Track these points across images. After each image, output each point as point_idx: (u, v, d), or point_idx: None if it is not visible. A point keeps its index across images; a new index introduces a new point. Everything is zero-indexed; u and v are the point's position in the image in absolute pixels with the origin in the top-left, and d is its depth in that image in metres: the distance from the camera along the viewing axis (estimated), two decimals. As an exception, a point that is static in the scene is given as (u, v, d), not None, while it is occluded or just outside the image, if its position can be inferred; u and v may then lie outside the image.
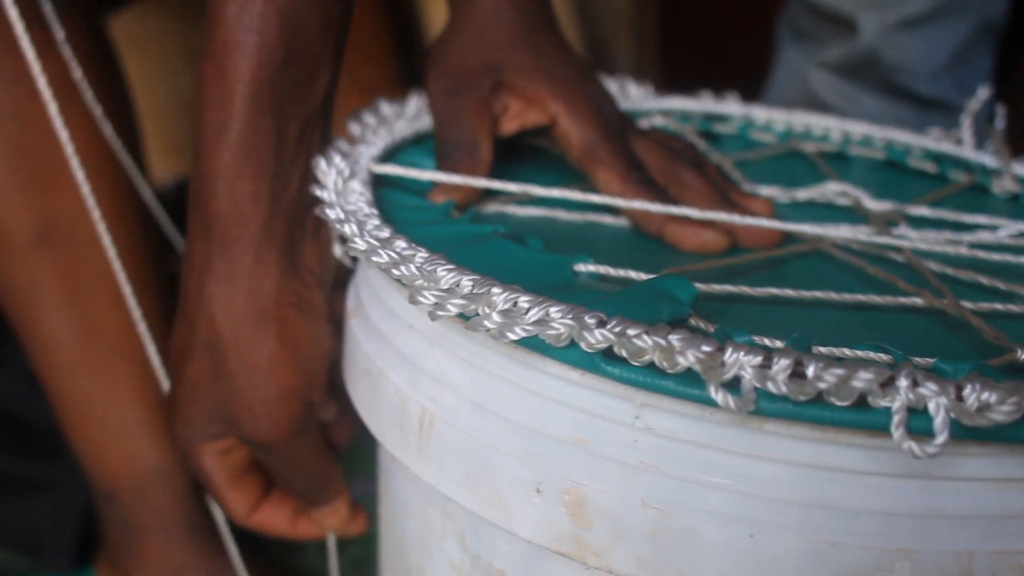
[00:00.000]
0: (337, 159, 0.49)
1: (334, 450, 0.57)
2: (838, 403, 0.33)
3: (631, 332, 0.34)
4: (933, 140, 0.69)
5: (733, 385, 0.33)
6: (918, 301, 0.44)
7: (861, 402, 0.33)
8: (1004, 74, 1.01)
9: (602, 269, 0.43)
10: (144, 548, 0.88)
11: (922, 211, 0.56)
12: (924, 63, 0.91)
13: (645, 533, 0.36)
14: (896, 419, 0.32)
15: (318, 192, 0.47)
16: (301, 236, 0.51)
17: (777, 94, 1.05)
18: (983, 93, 0.71)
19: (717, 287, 0.43)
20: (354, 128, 0.56)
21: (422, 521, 0.46)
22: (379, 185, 0.51)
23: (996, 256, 0.51)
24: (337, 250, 0.50)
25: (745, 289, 0.43)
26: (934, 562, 0.35)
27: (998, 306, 0.44)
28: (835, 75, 0.97)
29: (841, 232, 0.52)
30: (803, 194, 0.58)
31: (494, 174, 0.53)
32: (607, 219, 0.53)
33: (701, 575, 0.36)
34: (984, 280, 0.47)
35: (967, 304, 0.44)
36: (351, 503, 0.57)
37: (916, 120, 0.92)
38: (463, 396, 0.40)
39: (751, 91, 0.80)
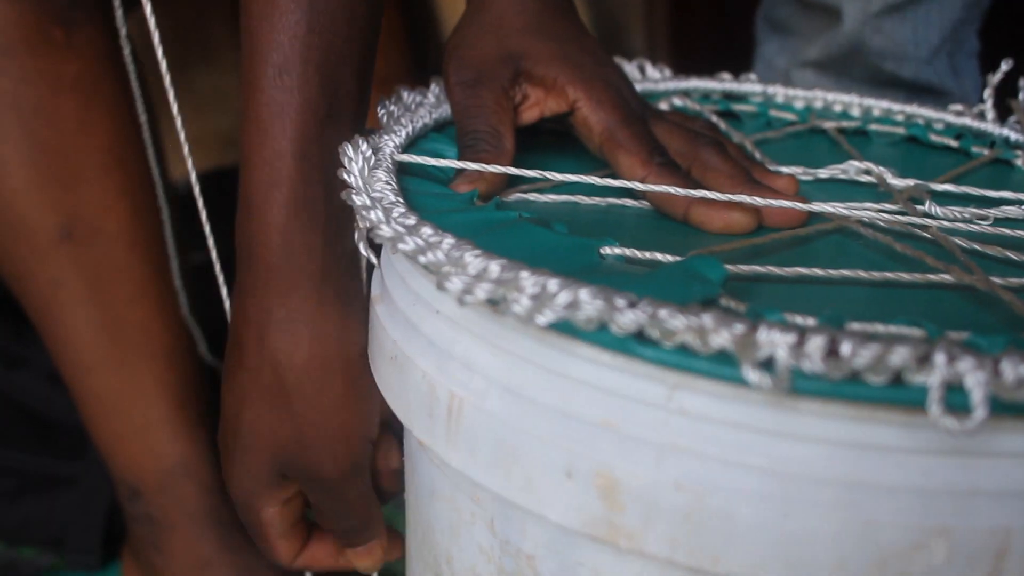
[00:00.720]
0: (363, 146, 0.49)
1: (382, 496, 0.58)
2: (874, 380, 0.33)
3: (662, 313, 0.34)
4: (954, 115, 0.69)
5: (767, 364, 0.33)
6: (947, 277, 0.44)
7: (897, 379, 0.33)
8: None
9: (628, 252, 0.43)
10: (169, 543, 0.89)
11: (946, 187, 0.56)
12: (915, 47, 0.89)
13: (678, 515, 0.36)
14: (934, 395, 0.32)
15: (344, 177, 0.47)
16: (357, 276, 0.52)
17: None
18: (1005, 65, 0.70)
19: (745, 267, 0.43)
20: (379, 115, 0.56)
21: (450, 507, 0.45)
22: (403, 173, 0.51)
23: (1022, 232, 0.50)
24: (358, 239, 0.49)
25: (773, 269, 0.43)
26: (971, 540, 0.34)
27: (1028, 281, 0.44)
28: (818, 71, 0.94)
29: (866, 210, 0.51)
30: (825, 173, 0.58)
31: (515, 162, 0.53)
32: (630, 203, 0.52)
33: (735, 556, 0.35)
34: (1013, 255, 0.47)
35: (996, 279, 0.43)
36: (386, 539, 0.59)
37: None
38: (492, 381, 0.40)
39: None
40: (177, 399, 0.82)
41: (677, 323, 0.33)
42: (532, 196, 0.52)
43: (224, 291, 0.67)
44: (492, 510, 0.43)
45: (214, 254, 0.67)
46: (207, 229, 0.66)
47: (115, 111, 0.78)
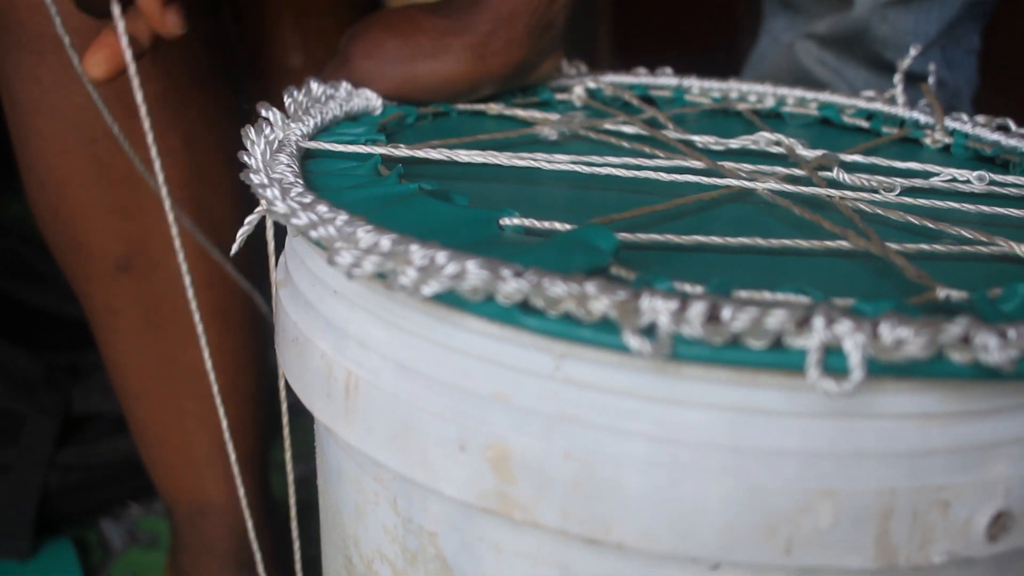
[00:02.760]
0: (267, 130, 0.49)
1: None
2: (754, 344, 0.33)
3: (545, 282, 0.34)
4: (866, 100, 0.69)
5: (650, 331, 0.33)
6: (844, 244, 0.44)
7: (778, 343, 0.33)
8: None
9: (528, 222, 0.43)
10: (191, 566, 0.89)
11: (855, 158, 0.56)
12: (914, 38, 0.91)
13: (568, 484, 0.36)
14: (812, 358, 0.32)
15: (244, 159, 0.47)
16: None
17: (759, 62, 1.04)
18: (914, 50, 0.71)
19: (642, 236, 0.43)
20: (287, 103, 0.56)
21: (355, 488, 0.45)
22: (307, 159, 0.51)
23: (927, 201, 0.51)
24: (269, 222, 0.49)
25: (671, 237, 0.43)
26: (857, 501, 0.35)
27: (924, 247, 0.44)
28: (822, 46, 0.96)
29: (774, 176, 0.52)
30: (736, 143, 0.58)
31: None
32: (542, 163, 0.52)
33: (626, 524, 0.36)
34: (914, 220, 0.47)
35: (893, 245, 0.44)
36: None
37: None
38: (386, 357, 0.39)
39: (707, 65, 0.79)
40: (220, 442, 0.80)
41: (559, 290, 0.34)
42: (439, 153, 0.52)
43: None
44: (394, 489, 0.43)
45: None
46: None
47: (195, 142, 0.74)
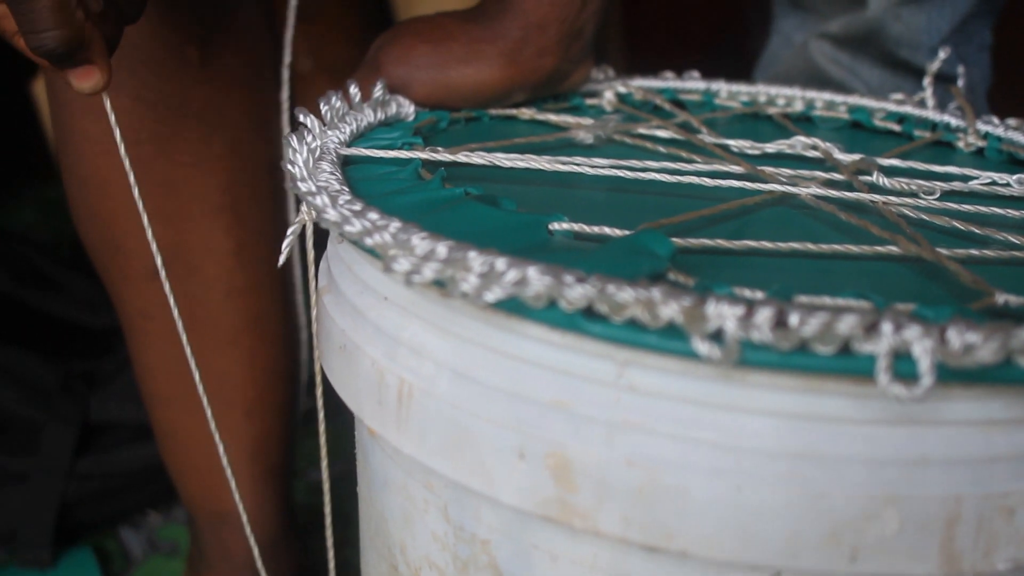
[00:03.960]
0: (308, 138, 0.49)
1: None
2: (822, 350, 0.33)
3: (611, 288, 0.34)
4: (896, 103, 0.69)
5: (716, 337, 0.33)
6: (893, 249, 0.44)
7: (845, 348, 0.33)
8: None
9: (577, 227, 0.43)
10: (210, 574, 0.88)
11: (892, 162, 0.56)
12: (928, 36, 0.91)
13: (631, 492, 0.35)
14: (882, 363, 0.32)
15: (288, 168, 0.47)
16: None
17: (771, 62, 1.04)
18: (943, 53, 0.71)
19: (693, 241, 0.43)
20: (324, 111, 0.55)
21: (403, 496, 0.45)
22: (347, 165, 0.50)
23: (968, 205, 0.50)
24: (309, 230, 0.49)
25: (721, 242, 0.43)
26: (922, 508, 0.34)
27: (974, 251, 0.44)
28: (836, 45, 0.96)
29: (814, 180, 0.52)
30: (772, 147, 0.58)
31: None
32: (583, 167, 0.52)
33: (689, 532, 0.35)
34: (960, 225, 0.47)
35: (943, 250, 0.44)
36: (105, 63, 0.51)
37: (917, 92, 0.93)
38: (442, 365, 0.39)
39: (716, 65, 0.79)
40: (247, 452, 0.80)
41: (626, 296, 0.33)
42: (479, 157, 0.52)
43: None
44: (446, 496, 0.42)
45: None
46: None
47: (237, 147, 0.73)
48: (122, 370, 1.03)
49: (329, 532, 0.60)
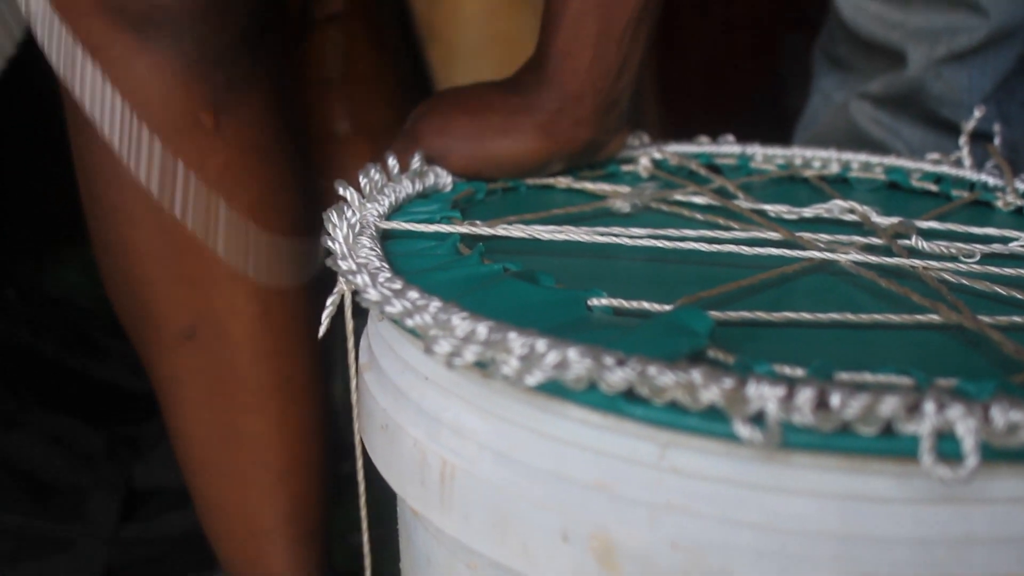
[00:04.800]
0: (348, 212, 0.50)
1: None
2: (865, 431, 0.33)
3: (652, 370, 0.34)
4: (932, 163, 0.69)
5: (758, 418, 0.33)
6: (935, 317, 0.44)
7: (888, 429, 0.33)
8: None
9: (616, 302, 0.43)
10: None
11: (931, 224, 0.56)
12: (969, 95, 0.91)
13: (676, 575, 0.35)
14: (925, 445, 0.32)
15: (329, 245, 0.47)
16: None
17: (811, 121, 1.04)
18: (979, 111, 0.71)
19: (733, 313, 0.43)
20: (363, 183, 0.56)
21: (447, 575, 0.45)
22: (386, 239, 0.51)
23: (1009, 268, 0.50)
24: (348, 301, 0.49)
25: (761, 314, 0.43)
26: (971, 587, 0.34)
27: (1017, 319, 0.44)
28: (876, 105, 0.96)
29: (852, 246, 0.52)
30: (810, 212, 0.58)
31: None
32: (621, 238, 0.52)
33: (736, 614, 0.35)
34: (1001, 290, 0.47)
35: (984, 318, 0.43)
36: None
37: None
38: (484, 446, 0.39)
39: (752, 126, 0.79)
40: (285, 514, 0.80)
41: (666, 380, 0.33)
42: (517, 230, 0.52)
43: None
44: None
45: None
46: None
47: (257, 210, 0.73)
48: (165, 435, 1.04)
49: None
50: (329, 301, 0.49)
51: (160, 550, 1.02)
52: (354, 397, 0.51)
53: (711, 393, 0.33)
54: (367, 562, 0.59)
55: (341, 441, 0.86)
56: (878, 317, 0.44)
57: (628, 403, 0.35)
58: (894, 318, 0.44)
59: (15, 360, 1.11)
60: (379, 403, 0.45)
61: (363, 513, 0.58)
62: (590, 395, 0.36)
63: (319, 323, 0.50)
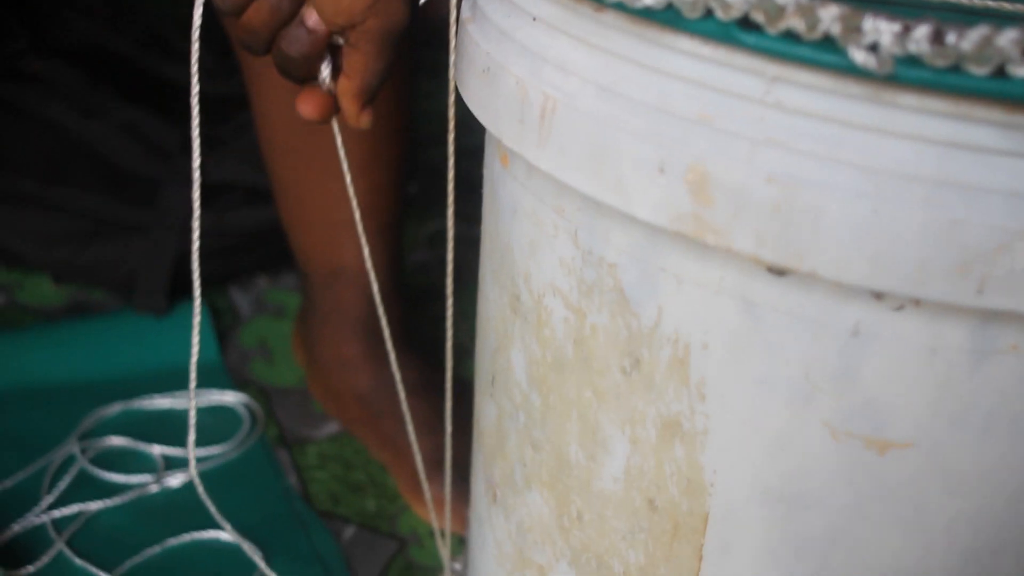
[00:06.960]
0: None
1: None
2: (977, 71, 0.33)
3: (769, -4, 0.34)
4: None
5: (872, 49, 0.33)
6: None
7: (1000, 72, 0.33)
8: None
9: None
10: (319, 330, 0.92)
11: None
12: None
13: (767, 208, 0.36)
14: (1036, 87, 0.32)
15: None
16: None
17: None
18: None
19: None
20: None
21: (532, 222, 0.46)
22: None
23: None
24: None
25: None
26: (1057, 244, 0.35)
27: None
28: None
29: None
30: None
31: None
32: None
33: (821, 252, 0.36)
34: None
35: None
36: None
37: None
38: (587, 80, 0.40)
39: None
40: (362, 206, 0.82)
41: (784, 2, 0.33)
42: None
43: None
44: (576, 220, 0.44)
45: None
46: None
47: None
48: (239, 136, 1.06)
49: (450, 279, 0.62)
50: None
51: (228, 243, 1.05)
52: (452, 57, 0.52)
53: (829, 14, 0.33)
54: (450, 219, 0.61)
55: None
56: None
57: (741, 31, 0.35)
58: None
59: (95, 56, 1.12)
60: (481, 47, 0.45)
61: (449, 256, 0.59)
62: (703, 24, 0.36)
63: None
